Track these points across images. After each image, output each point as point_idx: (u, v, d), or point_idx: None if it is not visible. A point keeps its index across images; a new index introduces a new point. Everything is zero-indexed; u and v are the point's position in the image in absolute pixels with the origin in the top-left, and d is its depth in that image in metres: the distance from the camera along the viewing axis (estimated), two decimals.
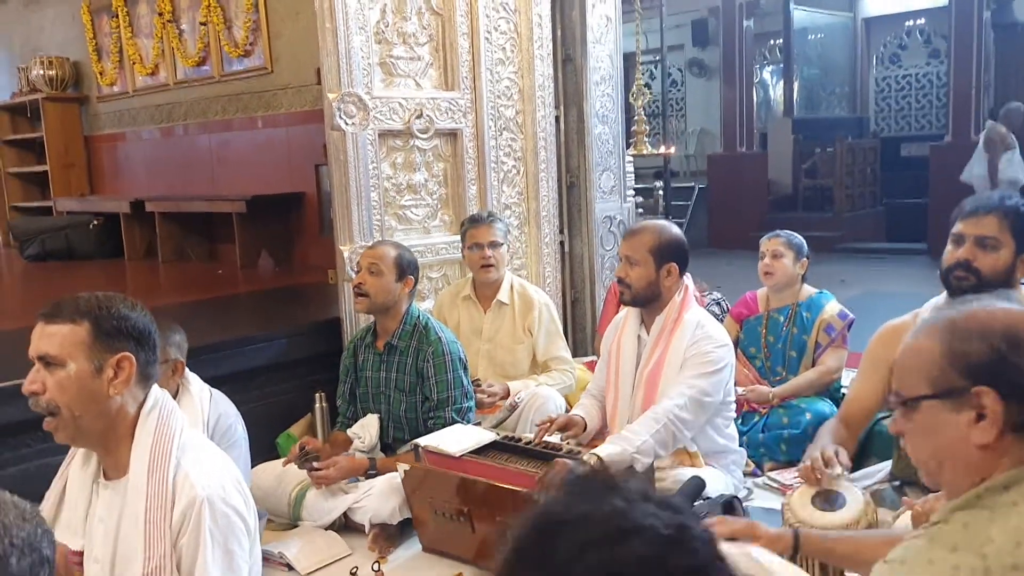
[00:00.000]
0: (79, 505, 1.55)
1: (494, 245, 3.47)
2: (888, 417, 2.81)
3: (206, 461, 1.54)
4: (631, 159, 4.91)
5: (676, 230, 2.82)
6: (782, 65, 11.51)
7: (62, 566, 1.50)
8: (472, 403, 3.16)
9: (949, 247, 2.28)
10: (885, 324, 2.51)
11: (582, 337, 4.51)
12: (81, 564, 1.52)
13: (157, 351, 1.57)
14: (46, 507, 1.57)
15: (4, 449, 2.74)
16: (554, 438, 2.79)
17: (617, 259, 4.51)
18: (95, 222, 6.67)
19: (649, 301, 2.75)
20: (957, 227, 2.27)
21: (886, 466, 2.60)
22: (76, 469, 1.58)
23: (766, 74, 12.15)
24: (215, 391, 2.66)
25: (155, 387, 1.57)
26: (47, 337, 1.48)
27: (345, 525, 2.95)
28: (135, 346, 1.50)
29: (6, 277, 6.83)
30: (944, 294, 2.34)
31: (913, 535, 1.19)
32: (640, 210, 5.04)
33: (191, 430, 1.61)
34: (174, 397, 2.46)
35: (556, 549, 0.70)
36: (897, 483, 2.49)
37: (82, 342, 1.46)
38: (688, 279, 2.83)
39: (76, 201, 7.12)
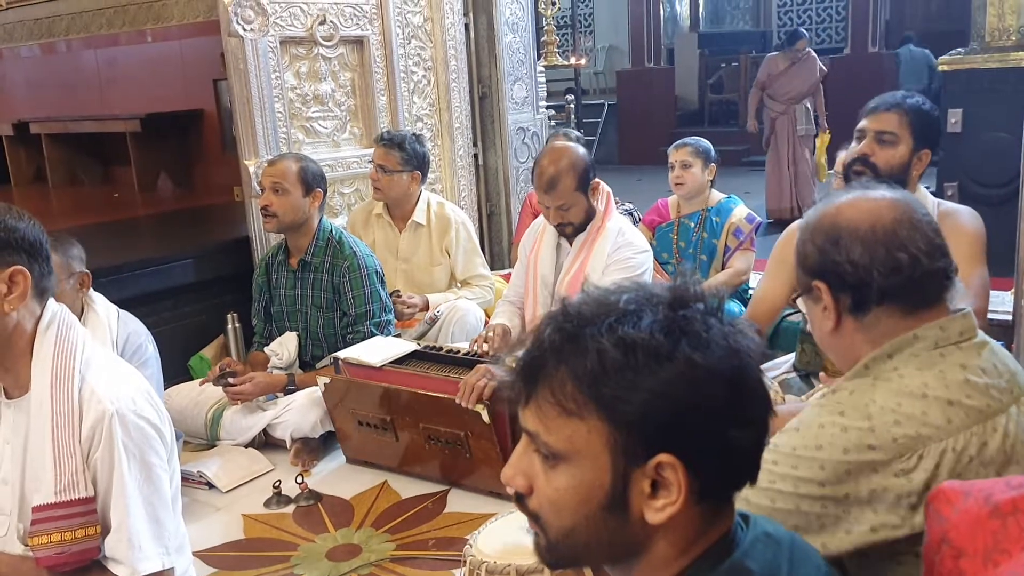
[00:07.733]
0: None
1: (384, 169, 3.35)
2: (793, 314, 2.94)
3: (113, 375, 1.47)
4: (543, 70, 4.85)
5: (582, 149, 2.77)
6: None
7: None
8: (391, 316, 3.13)
9: (852, 143, 2.35)
10: (791, 225, 2.59)
11: (499, 250, 4.50)
12: None
13: (51, 263, 1.48)
14: None
15: None
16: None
17: (531, 171, 4.55)
18: None
19: (589, 223, 2.76)
20: (861, 123, 2.34)
21: (790, 358, 2.71)
22: None
23: None
24: (122, 311, 2.56)
25: (51, 301, 1.48)
26: None
27: (266, 443, 2.92)
28: (27, 259, 1.40)
29: None
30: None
31: (809, 404, 1.25)
32: (553, 123, 5.00)
33: (95, 345, 1.54)
34: (79, 316, 2.36)
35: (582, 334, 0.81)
36: (803, 373, 2.60)
37: None
38: (605, 186, 2.83)
39: None
